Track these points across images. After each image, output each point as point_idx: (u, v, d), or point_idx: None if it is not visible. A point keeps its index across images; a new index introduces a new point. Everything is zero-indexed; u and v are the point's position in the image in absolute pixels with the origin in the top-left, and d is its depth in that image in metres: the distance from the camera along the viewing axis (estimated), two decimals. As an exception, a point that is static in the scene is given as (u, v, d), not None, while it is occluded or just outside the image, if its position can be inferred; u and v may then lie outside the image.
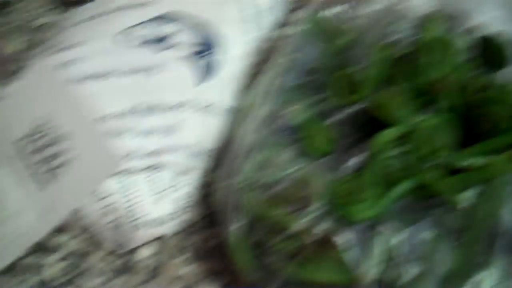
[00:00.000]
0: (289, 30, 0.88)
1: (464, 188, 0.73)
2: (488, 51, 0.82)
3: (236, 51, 0.95)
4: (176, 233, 0.86)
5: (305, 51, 0.85)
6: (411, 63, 0.82)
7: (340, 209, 0.68)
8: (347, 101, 0.82)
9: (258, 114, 0.80)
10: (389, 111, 0.77)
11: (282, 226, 0.71)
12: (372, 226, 0.71)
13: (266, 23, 1.01)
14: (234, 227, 0.74)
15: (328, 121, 0.81)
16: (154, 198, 0.82)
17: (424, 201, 0.74)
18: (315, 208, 0.70)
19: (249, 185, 0.76)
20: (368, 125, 0.79)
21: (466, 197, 0.73)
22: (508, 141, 0.73)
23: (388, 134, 0.73)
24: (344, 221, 0.71)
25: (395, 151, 0.75)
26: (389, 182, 0.73)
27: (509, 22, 0.81)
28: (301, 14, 0.91)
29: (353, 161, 0.75)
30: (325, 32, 0.87)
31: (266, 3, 1.02)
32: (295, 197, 0.71)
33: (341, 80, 0.83)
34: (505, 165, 0.72)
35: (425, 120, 0.76)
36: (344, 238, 0.69)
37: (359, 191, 0.70)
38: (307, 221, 0.71)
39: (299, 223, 0.70)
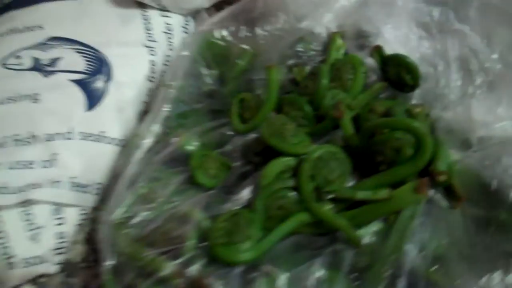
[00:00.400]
0: (182, 53, 0.78)
1: (364, 223, 0.67)
2: (398, 72, 0.74)
3: (128, 77, 0.87)
4: (59, 272, 0.78)
5: (200, 74, 0.76)
6: (311, 86, 0.72)
7: (216, 250, 0.59)
8: (243, 128, 0.73)
9: (145, 143, 0.71)
10: (281, 140, 0.68)
11: (152, 268, 0.61)
12: (255, 266, 0.63)
13: (169, 46, 0.94)
14: (106, 268, 0.66)
15: (222, 150, 0.71)
16: (31, 235, 0.75)
17: (322, 237, 0.67)
18: (189, 248, 0.60)
19: (124, 222, 0.69)
20: (265, 154, 0.72)
21: (367, 233, 0.67)
22: (409, 171, 0.67)
23: (277, 164, 0.65)
24: (222, 263, 0.60)
25: (288, 183, 0.68)
26: (277, 218, 0.66)
27: (410, 42, 0.71)
28: (194, 36, 0.80)
29: (243, 194, 0.66)
30: (220, 54, 0.78)
31: (176, 24, 0.96)
32: (170, 236, 0.62)
33: (237, 106, 0.74)
34: (408, 197, 0.66)
35: (319, 149, 0.68)
36: (220, 282, 0.61)
37: (240, 229, 0.60)
38: (180, 263, 0.62)
39: (170, 265, 0.60)
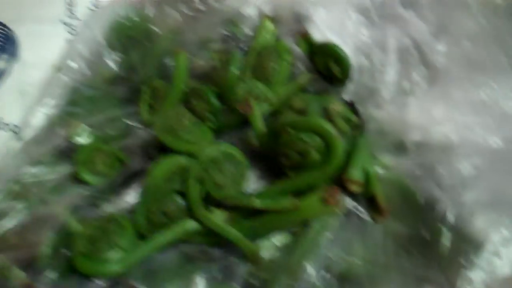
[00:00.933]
0: (83, 32, 0.66)
1: (265, 235, 0.57)
2: (327, 63, 0.65)
3: (37, 57, 0.78)
4: None
5: (101, 58, 0.65)
6: (222, 76, 0.64)
7: (76, 260, 0.48)
8: (148, 120, 0.61)
9: (26, 132, 0.60)
10: (173, 136, 0.61)
11: (2, 276, 0.53)
12: (123, 281, 0.54)
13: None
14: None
15: (124, 143, 0.59)
16: None
17: (218, 249, 0.57)
18: (44, 256, 0.49)
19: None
20: (166, 151, 0.62)
21: (268, 246, 0.58)
22: (315, 179, 0.57)
23: (166, 164, 0.54)
24: (83, 276, 0.50)
25: (175, 186, 0.59)
26: (160, 226, 0.57)
27: (345, 28, 0.58)
28: (98, 14, 0.69)
29: (129, 196, 0.55)
30: (129, 36, 0.67)
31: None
32: (26, 240, 0.51)
33: (148, 95, 0.63)
34: (315, 209, 0.56)
35: (211, 149, 0.59)
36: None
37: (109, 237, 0.50)
38: (32, 273, 0.54)
39: (19, 275, 0.49)
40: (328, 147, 0.53)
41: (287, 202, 0.56)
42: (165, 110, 0.63)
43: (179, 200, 0.56)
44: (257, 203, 0.55)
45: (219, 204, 0.56)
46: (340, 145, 0.52)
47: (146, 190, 0.57)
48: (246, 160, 0.59)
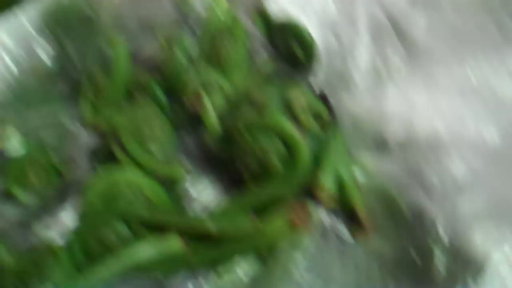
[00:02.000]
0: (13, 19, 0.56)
1: (225, 262, 0.47)
2: (289, 45, 0.56)
3: None
4: None
5: (32, 49, 0.54)
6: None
7: None
8: (92, 121, 0.52)
9: None
10: (141, 147, 0.53)
11: None
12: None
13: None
14: None
15: (63, 149, 0.49)
16: None
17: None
18: None
19: None
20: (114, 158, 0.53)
21: (231, 279, 0.48)
22: (279, 191, 0.49)
23: (107, 181, 0.44)
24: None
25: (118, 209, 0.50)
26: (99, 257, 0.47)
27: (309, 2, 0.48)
28: None
29: (64, 217, 0.46)
30: (65, 23, 0.56)
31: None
32: None
33: (89, 90, 0.52)
34: (279, 232, 0.47)
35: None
36: None
37: (38, 271, 0.46)
38: None
39: None
40: (291, 153, 0.43)
41: (247, 224, 0.47)
42: (109, 108, 0.52)
43: (121, 228, 0.45)
44: (212, 227, 0.45)
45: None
46: (304, 149, 0.43)
47: (82, 213, 0.47)
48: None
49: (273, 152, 0.44)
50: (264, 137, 0.45)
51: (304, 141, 0.44)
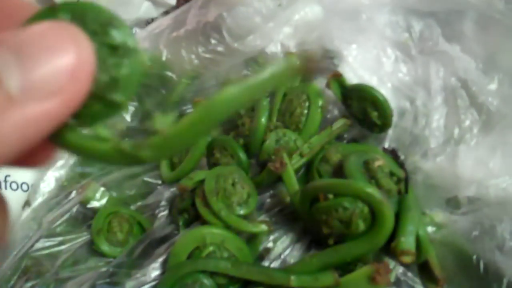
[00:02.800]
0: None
1: None
2: (363, 107, 0.59)
3: None
4: None
5: None
6: (248, 125, 0.63)
7: None
8: (169, 176, 0.55)
9: (36, 198, 0.53)
10: (226, 207, 0.57)
11: None
12: None
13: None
14: None
15: (144, 203, 0.53)
16: None
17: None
18: None
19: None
20: (196, 212, 0.58)
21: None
22: (362, 250, 0.50)
23: (195, 237, 0.49)
24: None
25: (204, 265, 0.54)
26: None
27: (381, 66, 0.51)
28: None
29: (151, 270, 0.48)
30: (144, 84, 0.59)
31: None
32: None
33: None
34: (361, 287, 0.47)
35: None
36: None
37: None
38: None
39: None
40: (375, 215, 0.45)
41: (327, 279, 0.50)
42: (189, 165, 0.55)
43: (207, 281, 0.48)
44: (296, 281, 0.46)
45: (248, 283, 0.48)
46: (390, 213, 0.44)
47: (168, 269, 0.49)
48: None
49: (358, 214, 0.46)
50: (348, 200, 0.46)
51: (388, 204, 0.45)
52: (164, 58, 0.59)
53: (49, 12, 0.22)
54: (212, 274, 0.49)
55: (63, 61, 0.18)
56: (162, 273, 0.51)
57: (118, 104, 0.22)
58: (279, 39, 0.63)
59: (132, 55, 0.22)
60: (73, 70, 0.18)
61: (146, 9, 0.77)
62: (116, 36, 0.22)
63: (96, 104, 0.21)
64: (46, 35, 0.18)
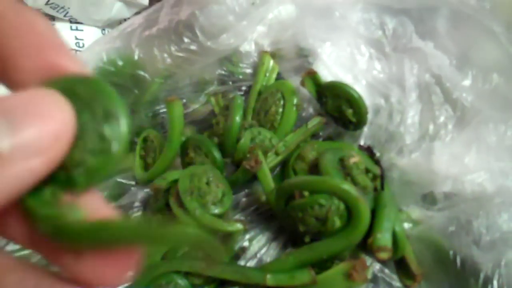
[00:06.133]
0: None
1: None
2: (338, 105, 0.59)
3: None
4: None
5: None
6: (223, 124, 0.62)
7: None
8: (143, 177, 0.53)
9: None
10: (200, 206, 0.55)
11: None
12: None
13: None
14: None
15: (118, 204, 0.52)
16: None
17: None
18: None
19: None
20: (170, 211, 0.57)
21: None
22: (338, 247, 0.50)
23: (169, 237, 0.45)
24: None
25: (178, 265, 0.54)
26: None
27: (356, 64, 0.50)
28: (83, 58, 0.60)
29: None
30: (113, 83, 0.58)
31: (90, 39, 0.80)
32: None
33: (140, 147, 0.54)
34: (337, 284, 0.49)
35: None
36: None
37: None
38: None
39: None
40: (351, 212, 0.45)
41: (304, 276, 0.49)
42: (162, 165, 0.54)
43: (181, 281, 0.47)
44: (272, 280, 0.45)
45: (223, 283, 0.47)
46: (366, 209, 0.44)
47: (142, 266, 0.48)
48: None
49: (333, 211, 0.45)
50: (324, 197, 0.46)
51: (364, 200, 0.45)
52: (136, 57, 0.57)
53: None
54: (187, 274, 0.48)
55: (48, 126, 0.20)
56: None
57: (77, 184, 0.22)
58: (253, 38, 0.62)
59: (112, 153, 0.22)
60: (57, 134, 0.20)
61: (118, 10, 0.75)
62: (107, 129, 0.22)
63: (61, 173, 0.22)
64: (33, 102, 0.21)
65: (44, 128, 0.20)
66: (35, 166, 0.20)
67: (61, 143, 0.21)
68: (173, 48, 0.59)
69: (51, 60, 0.24)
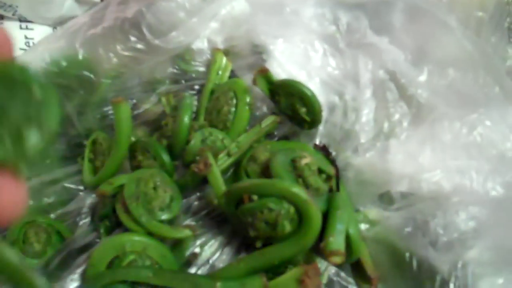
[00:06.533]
0: None
1: None
2: (292, 103, 0.57)
3: None
4: None
5: None
6: (171, 125, 0.60)
7: None
8: (90, 181, 0.51)
9: None
10: (148, 213, 0.54)
11: None
12: None
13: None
14: None
15: (64, 210, 0.49)
16: None
17: None
18: None
19: None
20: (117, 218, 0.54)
21: None
22: (289, 252, 0.48)
23: (114, 246, 0.47)
24: None
25: (124, 274, 0.50)
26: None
27: (309, 61, 0.48)
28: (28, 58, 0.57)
29: (69, 284, 0.44)
30: (57, 84, 0.55)
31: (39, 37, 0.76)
32: None
33: (89, 150, 0.52)
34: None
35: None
36: None
37: None
38: None
39: None
40: (302, 216, 0.43)
41: (255, 283, 0.47)
42: (110, 169, 0.52)
43: None
44: (221, 286, 0.42)
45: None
46: (316, 213, 0.42)
47: (86, 276, 0.45)
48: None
49: (283, 215, 0.43)
50: (273, 200, 0.44)
51: (315, 204, 0.43)
52: (81, 57, 0.54)
53: None
54: (134, 284, 0.46)
55: None
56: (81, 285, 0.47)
57: None
58: (205, 35, 0.60)
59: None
60: None
61: (69, 8, 0.73)
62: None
63: None
64: None
65: None
66: None
67: None
68: (119, 47, 0.56)
69: None
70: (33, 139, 0.21)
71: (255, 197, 0.45)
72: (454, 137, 0.49)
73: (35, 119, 0.21)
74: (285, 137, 0.57)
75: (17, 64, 0.21)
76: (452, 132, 0.49)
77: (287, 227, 0.44)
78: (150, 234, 0.49)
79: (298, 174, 0.48)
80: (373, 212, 0.51)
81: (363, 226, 0.50)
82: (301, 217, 0.44)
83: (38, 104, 0.21)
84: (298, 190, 0.43)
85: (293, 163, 0.49)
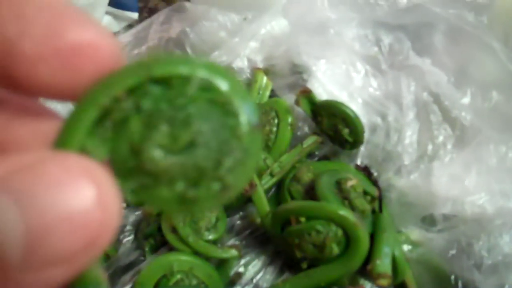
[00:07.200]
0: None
1: None
2: (334, 124, 0.57)
3: None
4: None
5: None
6: None
7: None
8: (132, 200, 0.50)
9: None
10: (193, 232, 0.54)
11: None
12: None
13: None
14: None
15: None
16: None
17: None
18: None
19: None
20: (162, 236, 0.55)
21: None
22: (336, 274, 0.49)
23: (162, 266, 0.48)
24: None
25: None
26: None
27: (351, 82, 0.48)
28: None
29: None
30: None
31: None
32: None
33: None
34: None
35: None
36: None
37: None
38: None
39: None
40: (349, 239, 0.43)
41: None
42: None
43: None
44: None
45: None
46: (364, 236, 0.42)
47: None
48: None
49: (331, 238, 0.44)
50: (321, 223, 0.44)
51: (362, 227, 0.43)
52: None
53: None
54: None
55: (78, 221, 0.13)
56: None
57: None
58: (245, 54, 0.60)
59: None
60: (92, 232, 0.13)
61: (107, 24, 0.73)
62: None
63: None
64: (50, 173, 0.13)
65: (76, 220, 0.13)
66: (53, 275, 0.13)
67: (98, 245, 0.14)
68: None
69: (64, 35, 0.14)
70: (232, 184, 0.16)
71: (302, 219, 0.45)
72: (499, 160, 0.49)
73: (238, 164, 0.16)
74: (326, 157, 0.58)
75: None
76: (497, 156, 0.49)
77: (335, 249, 0.45)
78: (196, 253, 0.49)
79: (343, 196, 0.48)
80: (415, 233, 0.52)
81: (405, 247, 0.50)
82: (348, 240, 0.44)
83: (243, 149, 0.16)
84: (346, 213, 0.44)
85: (338, 185, 0.49)
